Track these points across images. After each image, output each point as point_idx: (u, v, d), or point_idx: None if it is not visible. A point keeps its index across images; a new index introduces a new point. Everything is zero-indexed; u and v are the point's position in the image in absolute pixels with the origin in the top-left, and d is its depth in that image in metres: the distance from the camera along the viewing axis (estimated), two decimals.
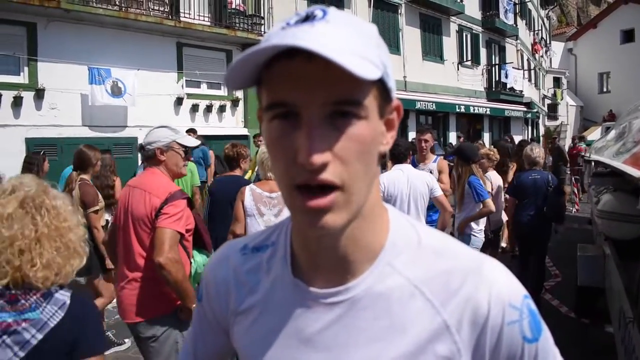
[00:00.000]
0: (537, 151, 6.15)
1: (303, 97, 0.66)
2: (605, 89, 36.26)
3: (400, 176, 4.53)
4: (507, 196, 6.34)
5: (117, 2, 11.17)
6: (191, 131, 9.30)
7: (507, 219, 6.58)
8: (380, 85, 0.71)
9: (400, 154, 4.68)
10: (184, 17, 12.06)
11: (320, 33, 0.65)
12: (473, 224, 5.43)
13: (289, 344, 0.80)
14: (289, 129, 0.68)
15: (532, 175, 5.99)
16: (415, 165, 5.54)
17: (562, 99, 34.91)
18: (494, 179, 6.60)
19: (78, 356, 1.55)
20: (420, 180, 4.61)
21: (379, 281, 0.78)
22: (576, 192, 13.63)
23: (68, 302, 1.58)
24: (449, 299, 0.76)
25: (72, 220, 1.70)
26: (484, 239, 5.48)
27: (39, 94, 10.36)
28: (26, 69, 10.32)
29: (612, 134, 7.43)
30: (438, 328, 0.75)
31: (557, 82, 35.46)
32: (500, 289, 0.76)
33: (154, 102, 11.91)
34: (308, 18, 0.68)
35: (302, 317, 0.80)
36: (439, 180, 5.57)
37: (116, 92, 11.03)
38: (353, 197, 0.70)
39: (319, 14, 0.68)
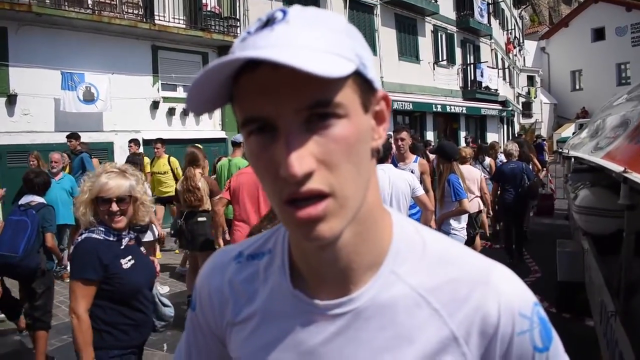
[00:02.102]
0: (512, 147, 8.36)
1: (275, 108, 0.62)
2: (577, 87, 36.97)
3: (382, 176, 4.53)
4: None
5: (90, 6, 11.01)
6: (72, 137, 8.94)
7: (483, 207, 7.53)
8: (358, 78, 0.66)
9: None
10: (159, 20, 11.94)
11: (280, 36, 0.62)
12: (454, 223, 5.46)
13: (289, 357, 0.77)
14: (267, 143, 0.64)
15: (510, 165, 8.15)
16: (395, 164, 5.55)
17: (536, 97, 35.51)
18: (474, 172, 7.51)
19: None
20: (401, 180, 4.62)
21: (384, 290, 0.74)
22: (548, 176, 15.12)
23: None
24: (456, 308, 0.73)
25: None
26: (465, 237, 5.50)
27: (11, 100, 10.15)
28: None
29: (587, 130, 7.56)
30: (445, 339, 0.72)
31: (530, 80, 36.04)
32: (510, 297, 0.73)
33: (130, 107, 11.78)
34: (268, 22, 0.64)
35: (304, 329, 0.76)
36: (422, 180, 5.61)
37: (89, 97, 10.88)
38: (347, 201, 0.65)
39: (279, 16, 0.64)
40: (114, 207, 2.61)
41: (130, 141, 9.81)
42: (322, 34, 0.63)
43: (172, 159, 9.22)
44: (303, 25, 0.63)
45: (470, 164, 8.07)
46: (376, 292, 0.74)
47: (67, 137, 8.96)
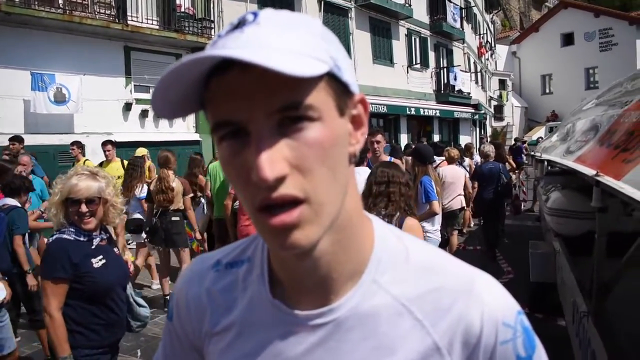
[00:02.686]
0: (488, 148, 8.94)
1: (245, 111, 0.60)
2: (547, 90, 37.66)
3: (358, 179, 4.53)
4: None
5: (60, 5, 10.79)
6: (15, 140, 8.27)
7: (464, 205, 8.05)
8: (333, 81, 0.64)
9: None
10: (132, 20, 11.78)
11: (250, 38, 0.61)
12: (427, 225, 5.50)
13: None
14: (239, 147, 0.62)
15: (487, 165, 8.63)
16: (370, 167, 5.57)
17: (507, 101, 36.04)
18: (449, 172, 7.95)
19: None
20: None
21: (365, 300, 0.73)
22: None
23: None
24: (439, 318, 0.72)
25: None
26: (439, 239, 5.55)
27: None
28: None
29: (558, 134, 7.72)
30: (428, 349, 0.71)
31: (502, 84, 36.57)
32: (493, 307, 0.72)
33: (102, 108, 11.59)
34: (239, 25, 0.63)
35: (283, 340, 0.75)
36: None
37: (60, 98, 10.67)
38: (323, 208, 0.63)
39: (250, 18, 0.63)
40: (83, 208, 2.66)
41: (10, 139, 8.66)
42: (294, 36, 0.62)
43: (126, 161, 8.58)
44: (274, 27, 0.62)
45: (455, 165, 8.68)
46: (357, 301, 0.73)
47: (10, 140, 8.32)
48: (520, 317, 0.74)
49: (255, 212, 0.63)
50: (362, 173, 4.65)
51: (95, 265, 2.68)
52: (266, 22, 0.62)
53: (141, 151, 8.87)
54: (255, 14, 0.64)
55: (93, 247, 2.74)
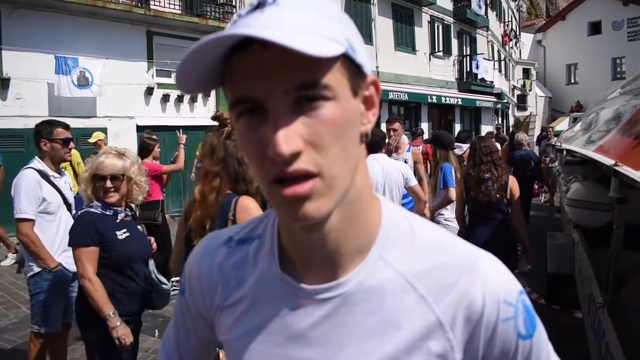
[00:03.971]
0: (522, 136, 9.94)
1: (264, 88, 0.63)
2: (572, 80, 37.02)
3: (375, 166, 4.54)
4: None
5: None
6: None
7: None
8: (347, 62, 0.67)
9: (375, 143, 4.68)
10: (154, 5, 11.87)
11: (270, 18, 0.63)
12: (446, 213, 5.48)
13: (277, 340, 0.78)
14: (256, 124, 0.65)
15: (520, 152, 9.52)
16: (389, 155, 5.56)
17: (531, 90, 35.54)
18: None
19: None
20: (395, 170, 4.63)
21: (372, 276, 0.75)
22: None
23: None
24: (442, 295, 0.74)
25: None
26: (458, 228, 5.52)
27: (4, 84, 10.10)
28: None
29: (581, 124, 7.59)
30: (431, 325, 0.73)
31: (526, 73, 36.06)
32: (495, 285, 0.74)
33: (124, 92, 11.72)
34: (259, 5, 0.65)
35: (292, 313, 0.77)
36: (416, 170, 5.64)
37: (83, 82, 10.82)
38: (334, 182, 0.66)
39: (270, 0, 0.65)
40: (108, 183, 2.92)
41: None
42: (311, 17, 0.64)
43: (74, 151, 7.74)
44: (293, 8, 0.64)
45: None
46: (364, 277, 0.75)
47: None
48: (521, 297, 0.76)
49: (270, 184, 0.66)
50: (380, 160, 4.66)
51: (119, 237, 2.92)
52: (285, 3, 0.64)
53: (96, 135, 8.65)
54: None
55: (117, 221, 2.97)
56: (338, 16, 0.69)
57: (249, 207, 2.56)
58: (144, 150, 6.39)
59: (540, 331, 0.77)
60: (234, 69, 0.65)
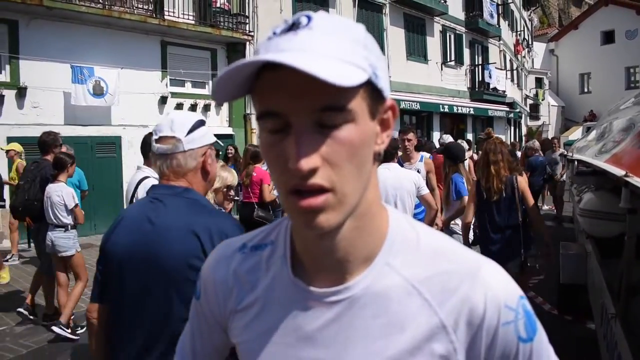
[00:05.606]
0: (537, 144, 11.77)
1: (291, 106, 0.68)
2: (586, 90, 36.75)
3: (387, 175, 4.56)
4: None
5: (100, 0, 11.08)
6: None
7: None
8: (369, 87, 0.72)
9: (387, 152, 4.70)
10: (168, 15, 12.00)
11: (302, 42, 0.68)
12: (461, 223, 5.47)
13: (288, 341, 0.82)
14: (280, 137, 0.70)
15: (538, 158, 11.20)
16: (401, 164, 5.58)
17: (543, 99, 35.35)
18: None
19: None
20: (407, 179, 4.65)
21: (378, 280, 0.80)
22: None
23: None
24: (446, 299, 0.78)
25: None
26: (472, 237, 5.51)
27: (21, 93, 10.26)
28: (7, 67, 10.23)
29: (593, 134, 7.55)
30: (435, 328, 0.77)
31: (539, 82, 35.89)
32: (497, 290, 0.78)
33: (138, 101, 11.84)
34: (293, 26, 0.70)
35: (302, 315, 0.82)
36: (428, 179, 5.65)
37: (98, 91, 10.95)
38: (345, 198, 0.72)
39: (304, 22, 0.70)
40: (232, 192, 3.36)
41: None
42: (341, 43, 0.70)
43: (21, 162, 7.86)
44: (325, 32, 0.70)
45: None
46: (370, 281, 0.79)
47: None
48: (522, 301, 0.80)
49: (287, 194, 0.71)
50: (392, 169, 4.68)
51: None
52: (318, 27, 0.70)
53: (11, 146, 8.52)
54: (309, 18, 0.71)
55: None
56: (364, 41, 0.73)
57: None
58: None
59: (541, 335, 0.81)
60: (264, 85, 0.70)
